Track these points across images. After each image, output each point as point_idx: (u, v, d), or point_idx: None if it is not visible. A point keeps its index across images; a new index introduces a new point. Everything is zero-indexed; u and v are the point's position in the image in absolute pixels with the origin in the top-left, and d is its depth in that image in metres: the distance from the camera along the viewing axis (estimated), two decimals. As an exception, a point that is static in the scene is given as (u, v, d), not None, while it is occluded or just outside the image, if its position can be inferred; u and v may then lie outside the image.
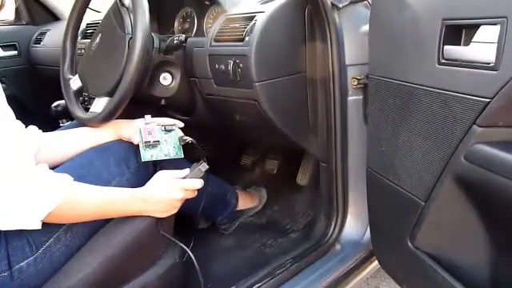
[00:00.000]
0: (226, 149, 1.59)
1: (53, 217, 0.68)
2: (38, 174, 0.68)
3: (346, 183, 1.14)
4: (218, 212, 1.28)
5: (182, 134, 0.97)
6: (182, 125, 0.99)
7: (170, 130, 0.95)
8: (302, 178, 1.41)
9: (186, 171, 0.88)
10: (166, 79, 1.16)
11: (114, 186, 0.83)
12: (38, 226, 0.68)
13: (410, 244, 0.83)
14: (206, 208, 1.08)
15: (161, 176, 0.85)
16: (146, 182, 0.87)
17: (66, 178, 0.73)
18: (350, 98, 1.07)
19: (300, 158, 1.44)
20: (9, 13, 2.20)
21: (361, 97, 1.08)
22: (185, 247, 0.88)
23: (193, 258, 0.86)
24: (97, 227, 0.81)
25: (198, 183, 0.86)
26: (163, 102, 1.17)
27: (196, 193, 0.87)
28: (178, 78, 1.16)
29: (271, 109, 1.02)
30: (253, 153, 1.65)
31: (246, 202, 1.38)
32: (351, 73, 1.05)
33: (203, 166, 0.89)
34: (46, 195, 0.67)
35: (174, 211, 0.85)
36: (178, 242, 0.88)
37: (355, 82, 1.05)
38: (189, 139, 0.95)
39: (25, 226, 0.66)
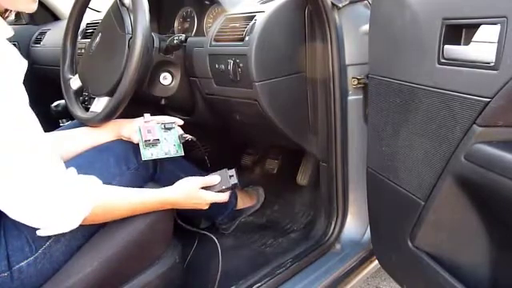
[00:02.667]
0: (226, 148, 1.59)
1: (87, 221, 0.71)
2: (72, 179, 0.70)
3: (346, 183, 1.14)
4: (218, 212, 1.28)
5: (181, 131, 0.97)
6: (181, 122, 0.99)
7: (169, 128, 0.95)
8: (302, 178, 1.40)
9: (217, 180, 0.90)
10: (166, 79, 1.16)
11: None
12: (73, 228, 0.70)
13: (409, 244, 0.83)
14: (207, 213, 1.08)
15: (191, 186, 0.87)
16: (146, 181, 0.87)
17: (97, 182, 0.75)
18: (350, 98, 1.07)
19: (300, 157, 1.44)
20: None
21: (361, 96, 1.08)
22: (211, 235, 0.94)
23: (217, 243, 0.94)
24: (97, 227, 0.80)
25: (226, 198, 0.90)
26: (163, 101, 1.17)
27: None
28: (178, 78, 1.16)
29: (271, 108, 1.02)
30: (253, 153, 1.65)
31: (244, 201, 1.38)
32: (351, 73, 1.05)
33: (233, 180, 0.90)
34: (82, 201, 0.69)
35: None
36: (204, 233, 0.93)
37: (355, 82, 1.06)
38: (189, 137, 0.95)
39: (62, 231, 0.69)
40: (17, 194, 0.63)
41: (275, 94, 1.02)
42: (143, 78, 1.08)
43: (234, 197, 1.32)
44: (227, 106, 1.14)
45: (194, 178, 0.88)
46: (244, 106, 1.07)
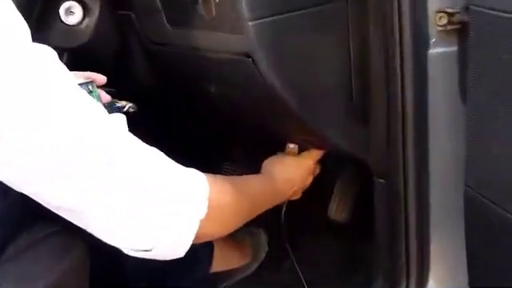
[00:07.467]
0: (192, 147, 1.60)
1: (200, 235, 0.85)
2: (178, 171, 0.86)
3: (426, 216, 1.15)
4: (176, 280, 1.29)
5: (108, 97, 1.01)
6: (103, 79, 1.02)
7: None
8: (338, 209, 1.42)
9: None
10: (71, 14, 1.17)
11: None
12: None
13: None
14: (155, 276, 1.10)
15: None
16: None
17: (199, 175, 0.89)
18: (431, 52, 1.07)
19: (332, 171, 1.45)
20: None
21: (454, 49, 1.08)
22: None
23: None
24: None
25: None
26: (65, 58, 1.17)
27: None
28: (96, 12, 1.18)
29: (277, 72, 1.03)
30: (241, 156, 1.66)
31: (227, 258, 1.40)
32: (434, 2, 1.05)
33: None
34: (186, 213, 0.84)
35: None
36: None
37: (444, 21, 1.06)
38: (126, 104, 1.01)
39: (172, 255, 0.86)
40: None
41: (285, 44, 1.03)
42: (28, 12, 1.08)
43: (207, 251, 1.34)
44: (192, 66, 1.16)
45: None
46: (225, 66, 1.09)
